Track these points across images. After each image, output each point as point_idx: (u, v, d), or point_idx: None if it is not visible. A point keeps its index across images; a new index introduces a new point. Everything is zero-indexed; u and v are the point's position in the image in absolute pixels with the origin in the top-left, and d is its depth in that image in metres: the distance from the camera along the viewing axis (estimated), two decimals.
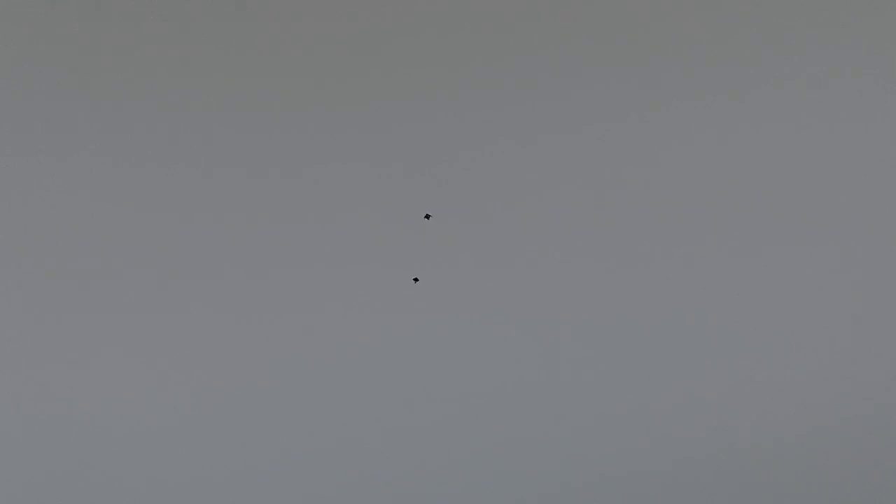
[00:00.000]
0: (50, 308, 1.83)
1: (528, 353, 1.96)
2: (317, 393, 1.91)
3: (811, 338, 2.04)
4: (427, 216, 1.58)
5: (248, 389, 1.89)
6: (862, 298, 2.04)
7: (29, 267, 1.82)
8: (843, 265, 2.03)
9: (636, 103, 1.96)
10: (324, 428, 1.91)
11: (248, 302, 1.88)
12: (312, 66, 1.88)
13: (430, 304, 1.92)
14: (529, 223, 1.95)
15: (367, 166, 1.90)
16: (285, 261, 1.88)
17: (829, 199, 2.02)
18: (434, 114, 1.91)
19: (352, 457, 1.93)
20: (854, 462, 2.06)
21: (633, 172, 1.97)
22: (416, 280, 1.87)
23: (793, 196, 2.01)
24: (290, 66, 1.87)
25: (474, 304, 1.94)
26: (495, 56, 1.93)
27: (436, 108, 1.91)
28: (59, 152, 1.82)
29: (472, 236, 1.93)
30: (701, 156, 1.99)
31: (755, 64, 1.99)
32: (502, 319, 1.95)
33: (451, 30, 1.92)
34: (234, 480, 1.89)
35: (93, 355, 1.84)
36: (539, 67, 1.94)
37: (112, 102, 1.83)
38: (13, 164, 1.80)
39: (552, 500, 1.98)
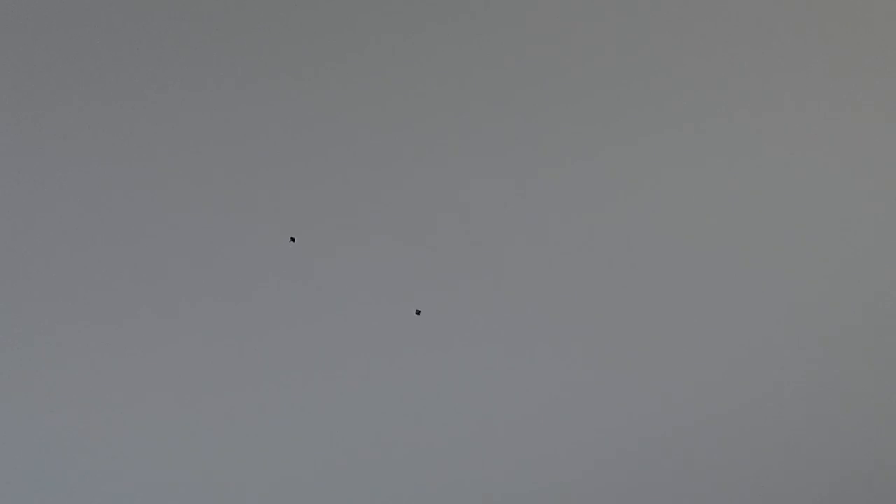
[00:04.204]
0: (46, 311, 1.80)
1: (528, 365, 1.96)
2: (317, 399, 1.90)
3: (811, 342, 2.06)
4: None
5: (248, 393, 1.87)
6: (863, 302, 2.08)
7: (25, 269, 1.79)
8: (843, 270, 2.06)
9: (635, 110, 1.98)
10: (323, 437, 1.91)
11: (247, 306, 1.86)
12: (313, 66, 1.87)
13: (432, 307, 1.92)
14: (530, 235, 1.95)
15: (367, 168, 1.90)
16: (284, 264, 1.87)
17: (828, 204, 2.05)
18: (434, 119, 1.91)
19: (351, 467, 1.92)
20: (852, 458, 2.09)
21: (634, 185, 1.98)
22: (418, 313, 1.88)
23: (792, 201, 2.04)
24: (291, 66, 1.86)
25: (475, 313, 1.94)
26: (497, 63, 1.93)
27: (436, 111, 1.91)
28: (58, 151, 1.80)
29: (472, 250, 1.93)
30: (700, 163, 2.00)
31: (756, 71, 2.01)
32: (503, 330, 1.95)
33: (453, 33, 1.92)
34: (231, 483, 1.88)
35: (90, 356, 1.81)
36: (540, 75, 1.94)
37: (110, 102, 1.81)
38: (12, 164, 1.78)
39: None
